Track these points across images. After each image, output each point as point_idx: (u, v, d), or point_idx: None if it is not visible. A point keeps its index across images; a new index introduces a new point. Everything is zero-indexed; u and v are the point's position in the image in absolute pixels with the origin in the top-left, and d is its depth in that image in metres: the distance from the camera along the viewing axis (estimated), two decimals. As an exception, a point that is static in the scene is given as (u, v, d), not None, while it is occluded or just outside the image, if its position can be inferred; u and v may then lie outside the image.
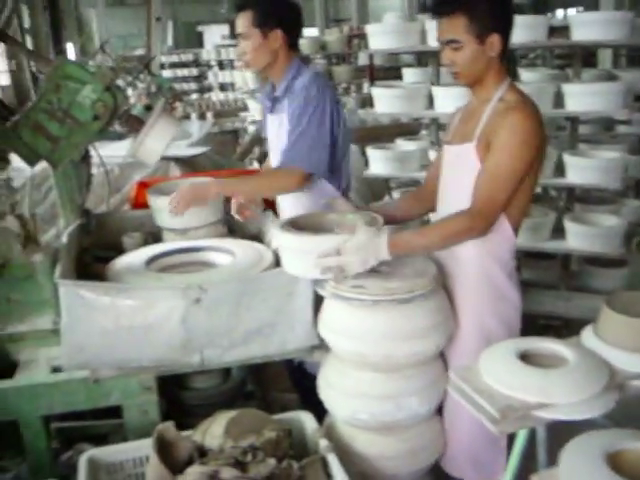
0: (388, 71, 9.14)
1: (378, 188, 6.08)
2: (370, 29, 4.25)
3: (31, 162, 2.45)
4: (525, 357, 1.81)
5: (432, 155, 4.24)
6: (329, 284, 2.12)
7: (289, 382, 3.31)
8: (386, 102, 4.17)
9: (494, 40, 2.11)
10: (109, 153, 2.90)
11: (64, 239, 2.69)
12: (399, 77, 6.96)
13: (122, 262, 2.62)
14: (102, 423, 2.90)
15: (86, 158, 2.57)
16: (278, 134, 2.75)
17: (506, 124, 2.06)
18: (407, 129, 6.31)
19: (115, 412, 2.47)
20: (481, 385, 1.74)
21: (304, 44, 11.44)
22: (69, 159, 2.50)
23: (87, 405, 2.36)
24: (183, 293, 2.19)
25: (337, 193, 2.71)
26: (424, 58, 6.52)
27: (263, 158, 6.09)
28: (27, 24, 17.20)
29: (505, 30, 2.14)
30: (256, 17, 2.62)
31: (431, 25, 3.99)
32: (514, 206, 2.15)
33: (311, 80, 2.63)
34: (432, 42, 3.96)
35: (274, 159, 2.83)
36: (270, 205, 3.19)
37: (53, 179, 2.54)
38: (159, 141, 2.51)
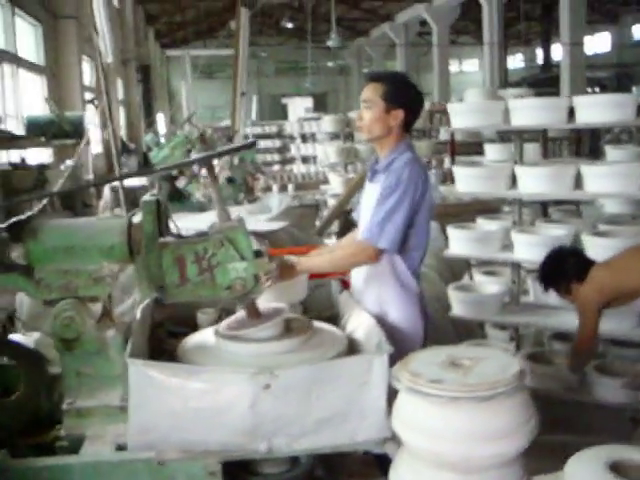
0: (470, 146, 9.11)
1: (458, 267, 5.93)
2: (452, 108, 4.22)
3: (150, 280, 2.46)
4: (616, 468, 1.65)
5: (514, 236, 4.12)
6: (405, 377, 2.01)
7: (360, 466, 3.17)
8: (467, 181, 4.10)
9: None
10: (188, 225, 2.89)
11: (137, 315, 2.69)
12: (481, 152, 6.89)
13: (194, 340, 2.59)
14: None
15: (164, 231, 2.56)
16: (368, 204, 2.86)
17: None
18: (488, 207, 6.19)
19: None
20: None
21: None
22: (178, 301, 2.52)
23: (150, 487, 2.30)
24: (252, 378, 2.13)
25: (407, 272, 2.81)
26: (507, 134, 6.45)
27: (343, 233, 6.04)
28: (121, 96, 18.16)
29: None
30: (386, 91, 2.79)
31: (514, 104, 3.94)
32: None
33: (406, 163, 2.75)
34: (515, 121, 3.89)
35: (362, 224, 2.93)
36: (346, 286, 3.14)
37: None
38: None
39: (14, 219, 2.57)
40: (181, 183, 7.89)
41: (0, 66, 8.66)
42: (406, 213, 2.68)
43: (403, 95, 2.82)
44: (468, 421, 1.93)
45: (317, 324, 2.67)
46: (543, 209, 5.32)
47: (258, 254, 2.48)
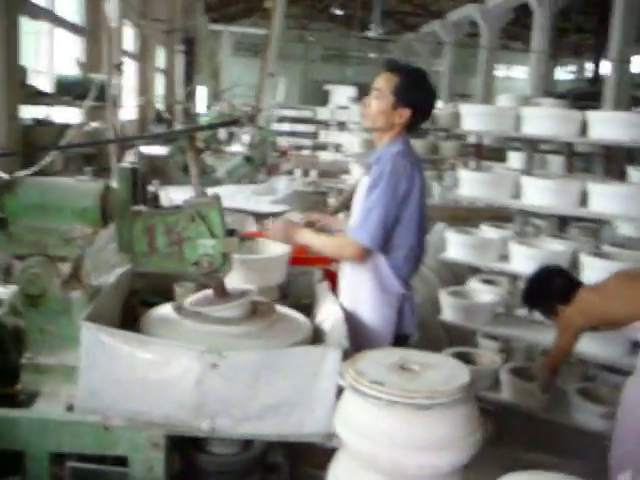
0: (496, 152, 8.95)
1: (462, 271, 5.83)
2: (462, 109, 4.16)
3: (120, 245, 2.46)
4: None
5: (512, 246, 4.04)
6: (349, 374, 1.98)
7: (327, 458, 3.14)
8: (471, 185, 4.03)
9: None
10: (180, 197, 2.86)
11: (111, 280, 2.69)
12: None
13: (158, 312, 2.58)
14: (115, 470, 2.83)
15: (140, 200, 2.55)
16: (359, 196, 2.81)
17: None
18: (500, 215, 6.07)
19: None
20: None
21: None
22: (146, 270, 2.53)
23: (94, 450, 2.31)
24: (201, 356, 2.12)
25: (390, 271, 2.71)
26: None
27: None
28: (163, 65, 18.22)
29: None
30: (398, 86, 2.70)
31: (524, 112, 3.85)
32: None
33: (392, 156, 2.67)
34: (525, 129, 3.81)
35: (353, 217, 2.86)
36: (331, 277, 3.10)
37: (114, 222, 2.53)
38: None
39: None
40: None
41: (37, 23, 8.71)
42: (385, 209, 2.59)
43: (414, 94, 2.73)
44: (403, 427, 1.89)
45: (283, 310, 2.64)
46: (561, 224, 5.21)
47: (231, 233, 2.45)
